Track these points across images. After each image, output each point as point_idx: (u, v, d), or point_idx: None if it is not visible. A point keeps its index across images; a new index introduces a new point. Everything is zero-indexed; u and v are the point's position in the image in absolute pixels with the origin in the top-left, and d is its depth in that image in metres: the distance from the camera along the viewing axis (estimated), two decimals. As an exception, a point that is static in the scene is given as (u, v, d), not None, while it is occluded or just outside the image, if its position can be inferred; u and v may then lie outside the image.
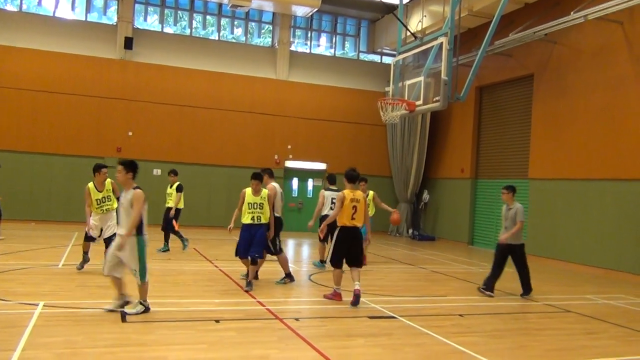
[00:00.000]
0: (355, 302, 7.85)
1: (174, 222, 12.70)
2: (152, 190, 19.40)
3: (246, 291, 8.49)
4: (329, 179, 12.45)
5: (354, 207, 8.10)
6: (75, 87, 18.42)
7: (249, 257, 8.69)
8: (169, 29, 20.45)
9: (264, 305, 7.76)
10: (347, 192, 8.17)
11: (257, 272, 9.36)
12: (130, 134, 18.97)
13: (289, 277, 9.73)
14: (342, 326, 6.89)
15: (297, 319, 7.11)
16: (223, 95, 20.02)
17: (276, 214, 9.53)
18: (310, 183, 21.51)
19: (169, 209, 12.84)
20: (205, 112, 19.77)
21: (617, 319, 8.18)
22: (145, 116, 19.17)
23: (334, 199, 11.74)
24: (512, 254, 9.53)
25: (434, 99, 14.48)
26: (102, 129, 18.70)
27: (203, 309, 7.40)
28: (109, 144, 18.68)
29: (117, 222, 7.59)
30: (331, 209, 11.65)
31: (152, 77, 19.25)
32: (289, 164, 20.93)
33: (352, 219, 8.10)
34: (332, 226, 11.79)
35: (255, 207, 8.71)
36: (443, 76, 14.01)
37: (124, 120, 18.95)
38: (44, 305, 6.96)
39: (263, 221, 8.80)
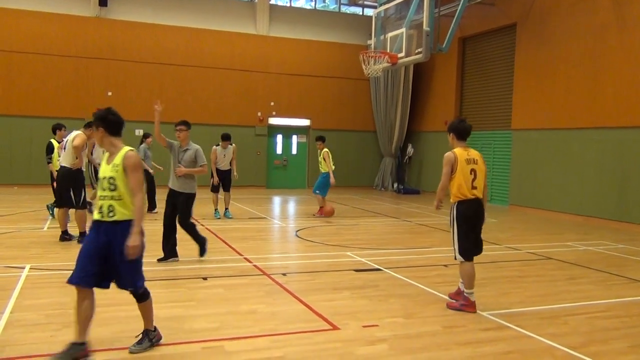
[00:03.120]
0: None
1: None
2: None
3: None
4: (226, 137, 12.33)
5: (472, 170, 5.76)
6: (50, 47, 17.94)
7: (129, 290, 4.51)
8: (144, -16, 19.84)
9: (251, 262, 7.82)
10: (460, 151, 5.81)
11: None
12: (109, 94, 18.63)
13: (83, 235, 8.52)
14: (329, 280, 6.98)
15: (284, 274, 7.19)
16: (202, 52, 19.65)
17: (82, 168, 8.80)
18: (294, 139, 21.44)
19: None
20: (185, 70, 19.43)
21: (598, 265, 8.38)
22: (124, 75, 18.80)
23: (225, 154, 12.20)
24: (175, 203, 7.68)
25: (417, 51, 14.38)
26: (81, 90, 18.34)
27: (190, 267, 7.45)
28: (88, 104, 18.31)
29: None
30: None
31: (129, 35, 18.79)
32: (273, 121, 20.78)
33: (473, 187, 5.76)
34: (221, 174, 12.18)
35: (104, 187, 4.37)
36: (425, 27, 13.87)
37: (102, 80, 18.58)
38: (30, 268, 6.96)
39: (119, 216, 4.30)
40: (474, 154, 5.88)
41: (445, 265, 8.00)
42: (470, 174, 5.76)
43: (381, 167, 21.85)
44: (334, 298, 6.12)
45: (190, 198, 7.72)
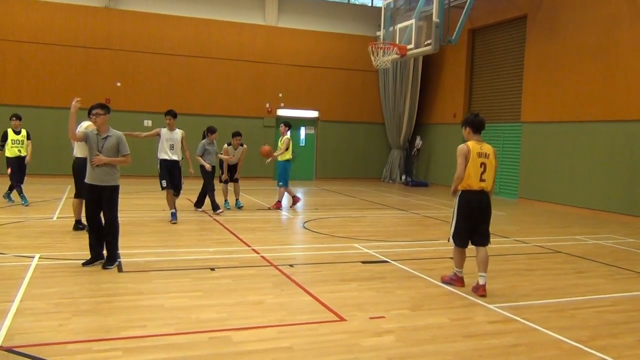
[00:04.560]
0: (479, 292, 6.08)
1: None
2: (143, 142, 19.32)
3: None
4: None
5: (482, 164, 6.13)
6: (60, 37, 18.00)
7: None
8: (153, -25, 19.83)
9: (258, 253, 7.84)
10: (473, 144, 6.18)
11: None
12: (118, 84, 18.69)
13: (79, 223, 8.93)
14: (336, 271, 6.99)
15: (291, 265, 7.20)
16: (211, 42, 19.64)
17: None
18: (302, 131, 21.42)
19: (22, 158, 11.64)
20: (193, 61, 19.44)
21: (606, 259, 8.34)
22: (133, 66, 18.83)
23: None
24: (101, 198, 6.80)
25: (426, 43, 14.33)
26: (90, 80, 18.38)
27: (198, 258, 7.48)
28: (97, 95, 18.32)
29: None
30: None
31: (138, 26, 18.81)
32: (281, 112, 20.77)
33: (481, 180, 6.12)
34: (230, 167, 12.19)
35: None
36: (435, 18, 13.80)
37: (111, 71, 18.63)
38: (39, 258, 7.01)
39: None
40: (487, 148, 6.21)
41: (452, 258, 7.97)
42: (480, 167, 6.11)
43: (389, 159, 21.81)
44: (341, 289, 6.13)
45: (114, 191, 6.80)
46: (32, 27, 17.74)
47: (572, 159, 14.31)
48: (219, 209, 11.30)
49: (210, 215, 11.23)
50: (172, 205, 10.18)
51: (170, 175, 10.17)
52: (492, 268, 7.47)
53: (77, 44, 18.18)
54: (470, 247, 6.23)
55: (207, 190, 11.53)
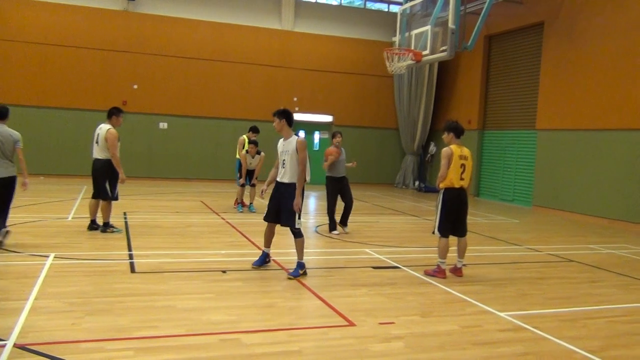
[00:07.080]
0: (457, 273, 7.14)
1: None
2: (157, 144, 19.52)
3: None
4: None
5: (462, 165, 7.05)
6: (80, 40, 18.23)
7: None
8: (171, -21, 20.01)
9: (269, 256, 7.85)
10: (455, 148, 7.05)
11: None
12: (135, 87, 18.87)
13: (107, 226, 9.06)
14: (347, 276, 7.00)
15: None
16: (228, 46, 19.77)
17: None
18: (316, 136, 21.46)
19: None
20: (210, 64, 19.58)
21: (620, 268, 8.26)
22: (150, 69, 19.01)
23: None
24: None
25: (441, 49, 14.30)
26: (108, 82, 18.60)
27: (210, 260, 7.53)
28: (115, 97, 18.59)
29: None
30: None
31: (156, 29, 18.99)
32: (295, 116, 20.68)
33: (461, 179, 7.07)
34: (248, 172, 12.40)
35: None
36: (450, 25, 13.77)
37: (129, 73, 18.82)
38: (54, 257, 7.10)
39: None
40: (466, 151, 7.17)
41: (465, 265, 7.95)
42: (461, 167, 7.05)
43: (403, 164, 21.77)
44: (351, 294, 6.14)
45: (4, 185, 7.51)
46: (52, 30, 17.98)
47: (588, 167, 14.19)
48: (335, 230, 10.28)
49: (223, 219, 11.29)
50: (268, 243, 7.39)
51: (279, 204, 7.09)
52: (503, 276, 7.46)
53: (96, 46, 18.40)
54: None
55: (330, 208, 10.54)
